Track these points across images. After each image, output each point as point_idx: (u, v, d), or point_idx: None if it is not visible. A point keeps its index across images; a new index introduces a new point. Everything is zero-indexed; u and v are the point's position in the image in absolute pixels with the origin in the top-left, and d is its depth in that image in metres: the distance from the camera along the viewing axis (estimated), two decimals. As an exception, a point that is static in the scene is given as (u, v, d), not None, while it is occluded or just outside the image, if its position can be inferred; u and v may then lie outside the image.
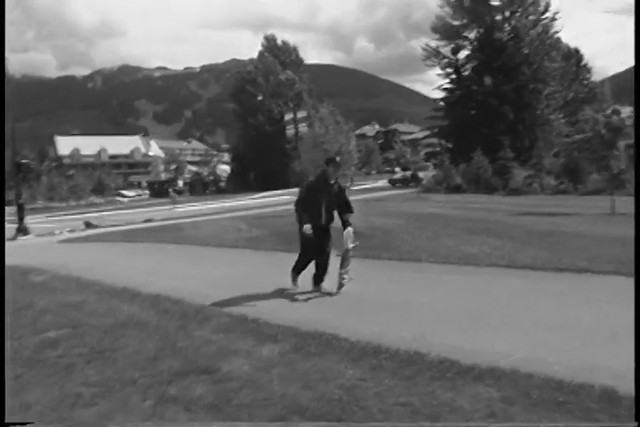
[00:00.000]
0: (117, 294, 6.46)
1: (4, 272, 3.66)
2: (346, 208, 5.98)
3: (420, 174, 41.85)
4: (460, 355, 3.75)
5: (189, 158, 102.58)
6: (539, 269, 6.74)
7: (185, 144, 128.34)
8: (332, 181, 5.89)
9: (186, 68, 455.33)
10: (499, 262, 7.25)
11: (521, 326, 4.53)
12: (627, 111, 31.95)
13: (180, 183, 66.29)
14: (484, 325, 4.62)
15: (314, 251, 5.91)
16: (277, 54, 59.21)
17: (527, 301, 5.38)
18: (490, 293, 5.79)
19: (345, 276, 5.74)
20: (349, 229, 5.93)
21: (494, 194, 28.51)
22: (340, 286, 5.83)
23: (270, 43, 60.69)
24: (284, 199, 31.42)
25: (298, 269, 6.18)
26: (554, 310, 4.95)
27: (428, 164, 50.60)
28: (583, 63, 53.59)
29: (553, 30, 41.04)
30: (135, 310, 5.55)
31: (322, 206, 5.82)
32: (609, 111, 17.25)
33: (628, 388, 3.09)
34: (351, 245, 5.84)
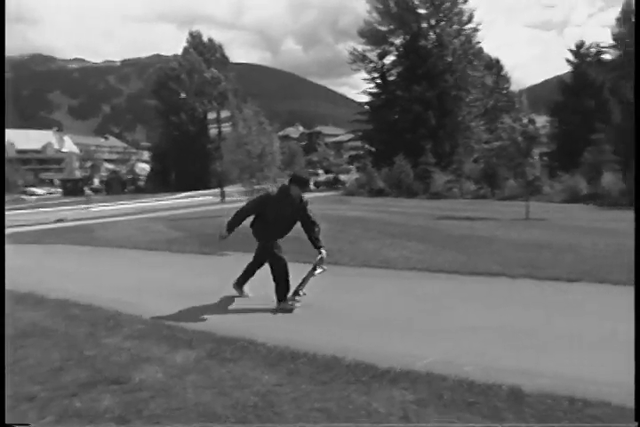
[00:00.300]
0: (20, 299, 6.09)
1: (5, 273, 3.45)
2: (311, 225, 5.57)
3: (343, 177, 42.50)
4: (376, 358, 3.81)
5: (106, 156, 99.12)
6: (456, 273, 6.97)
7: (102, 141, 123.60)
8: (294, 197, 5.49)
9: (105, 62, 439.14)
10: (418, 266, 7.45)
11: (437, 328, 4.67)
12: (541, 121, 34.06)
13: (97, 182, 63.82)
14: (402, 328, 4.73)
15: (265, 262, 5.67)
16: (202, 51, 58.13)
17: (444, 304, 5.55)
18: (408, 296, 5.93)
19: (300, 292, 5.53)
20: (323, 252, 5.53)
21: (416, 198, 29.33)
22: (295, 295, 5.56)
23: (195, 39, 59.48)
24: (204, 200, 30.95)
25: (287, 285, 5.50)
26: (469, 313, 5.13)
27: (351, 167, 51.48)
28: (503, 73, 56.21)
29: (476, 40, 42.90)
30: (39, 318, 5.26)
31: (280, 222, 5.52)
32: (525, 120, 18.22)
33: (533, 386, 3.27)
34: (319, 271, 5.55)
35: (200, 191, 41.84)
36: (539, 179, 19.36)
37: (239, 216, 5.51)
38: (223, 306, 5.67)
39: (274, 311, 5.37)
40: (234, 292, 6.04)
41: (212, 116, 33.66)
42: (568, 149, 33.88)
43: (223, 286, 6.10)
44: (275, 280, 5.46)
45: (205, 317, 5.23)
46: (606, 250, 8.71)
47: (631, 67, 36.07)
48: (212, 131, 32.87)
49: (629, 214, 16.73)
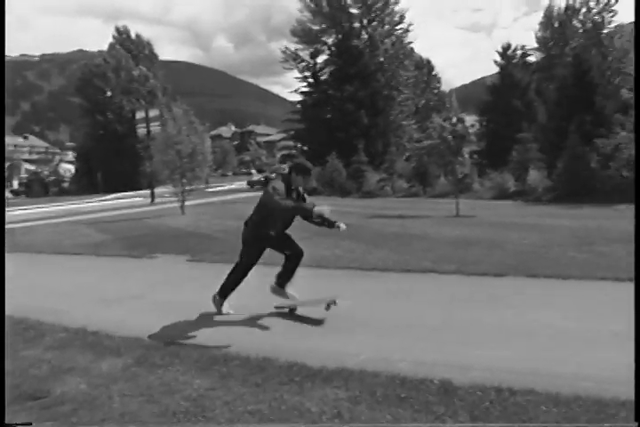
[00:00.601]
0: None
1: (5, 271, 3.36)
2: (312, 215, 4.99)
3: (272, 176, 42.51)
4: (309, 358, 3.83)
5: (26, 156, 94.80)
6: (388, 271, 7.10)
7: (21, 140, 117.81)
8: (296, 188, 5.08)
9: (22, 56, 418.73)
10: (350, 265, 7.53)
11: (370, 326, 4.73)
12: (471, 120, 35.24)
13: (16, 184, 60.82)
14: (335, 326, 4.76)
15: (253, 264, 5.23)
16: (130, 48, 56.40)
17: (376, 301, 5.64)
18: (340, 295, 5.96)
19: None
20: (342, 226, 5.06)
21: (348, 197, 29.70)
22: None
23: (122, 35, 57.60)
24: (133, 202, 30.13)
25: (235, 286, 5.29)
26: (401, 310, 5.24)
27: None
28: (434, 73, 57.81)
29: (407, 41, 44.09)
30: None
31: (282, 219, 5.14)
32: (455, 120, 18.80)
33: (463, 379, 3.38)
34: (328, 304, 5.05)
35: (129, 193, 40.73)
36: (468, 176, 20.05)
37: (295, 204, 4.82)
38: (153, 310, 5.54)
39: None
40: (164, 296, 5.88)
41: (140, 115, 32.80)
42: (496, 147, 35.15)
43: (153, 289, 5.95)
44: (229, 274, 5.26)
45: (134, 322, 5.08)
46: (533, 245, 9.10)
47: (554, 69, 38.01)
48: (141, 130, 32.07)
49: (554, 210, 17.65)
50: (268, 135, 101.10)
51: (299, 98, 44.75)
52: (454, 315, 4.97)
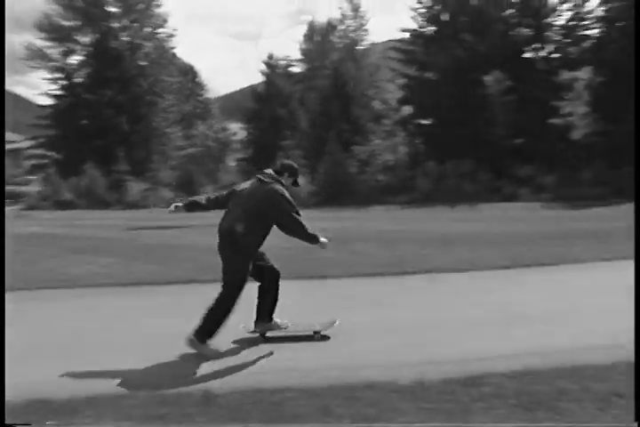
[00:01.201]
0: None
1: (5, 271, 3.38)
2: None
3: (24, 189, 39.09)
4: (55, 391, 3.47)
5: None
6: (150, 284, 6.96)
7: None
8: None
9: None
10: (107, 281, 7.22)
11: (120, 345, 4.51)
12: (235, 128, 36.22)
13: None
14: (88, 351, 4.42)
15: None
16: None
17: (130, 319, 5.40)
18: (91, 316, 5.55)
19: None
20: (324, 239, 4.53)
21: (109, 208, 28.61)
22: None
23: None
24: None
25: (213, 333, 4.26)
26: (156, 325, 5.09)
27: (33, 177, 47.11)
28: (198, 80, 57.85)
29: (170, 45, 43.48)
30: None
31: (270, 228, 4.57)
32: (219, 127, 19.15)
33: (221, 386, 3.45)
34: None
35: None
36: (234, 184, 20.54)
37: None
38: None
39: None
40: None
41: None
42: (263, 154, 36.63)
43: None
44: (210, 310, 4.24)
45: None
46: (295, 248, 9.53)
47: (316, 80, 40.91)
48: None
49: (317, 213, 18.96)
50: (13, 142, 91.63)
51: (49, 101, 41.35)
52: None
